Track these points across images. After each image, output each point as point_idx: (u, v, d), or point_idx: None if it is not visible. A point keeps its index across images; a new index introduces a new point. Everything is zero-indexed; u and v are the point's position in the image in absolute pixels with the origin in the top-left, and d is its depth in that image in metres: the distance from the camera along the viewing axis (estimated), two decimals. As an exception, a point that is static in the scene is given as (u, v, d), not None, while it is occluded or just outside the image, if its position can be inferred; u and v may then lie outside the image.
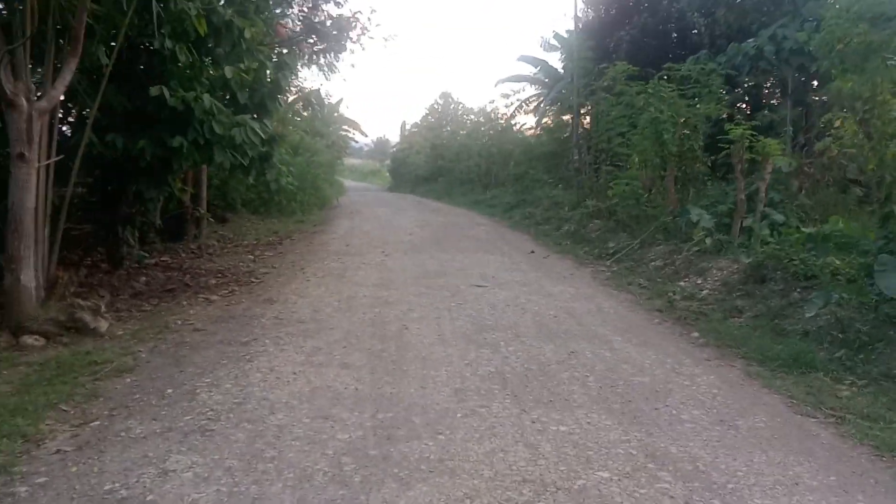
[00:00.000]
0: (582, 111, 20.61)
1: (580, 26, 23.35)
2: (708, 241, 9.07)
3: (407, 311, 7.12)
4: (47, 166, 6.74)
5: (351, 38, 11.17)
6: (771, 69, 11.86)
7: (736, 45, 12.95)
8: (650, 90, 11.21)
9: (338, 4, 10.26)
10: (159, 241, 11.36)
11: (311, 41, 11.24)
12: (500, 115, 31.84)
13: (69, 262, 8.80)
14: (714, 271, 8.47)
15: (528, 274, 9.44)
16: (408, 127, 61.72)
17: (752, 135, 9.12)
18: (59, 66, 6.49)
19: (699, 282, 8.38)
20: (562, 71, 28.56)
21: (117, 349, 5.87)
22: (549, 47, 29.41)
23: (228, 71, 8.01)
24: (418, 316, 6.90)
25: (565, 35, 27.59)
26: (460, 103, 44.08)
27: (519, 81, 30.16)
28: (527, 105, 30.99)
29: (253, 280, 9.12)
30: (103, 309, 6.85)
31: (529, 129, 30.46)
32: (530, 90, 31.53)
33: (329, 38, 11.09)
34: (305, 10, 10.72)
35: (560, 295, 8.04)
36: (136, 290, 8.30)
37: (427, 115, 56.50)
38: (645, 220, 11.83)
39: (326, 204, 22.92)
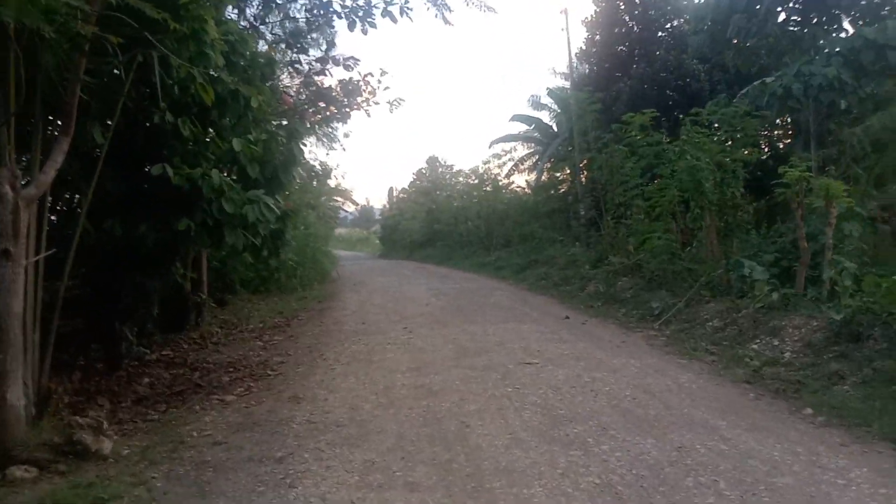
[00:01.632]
0: (580, 165, 20.10)
1: (575, 79, 23.09)
2: (774, 295, 8.19)
3: (459, 402, 6.13)
4: (37, 262, 5.82)
5: (358, 104, 10.48)
6: (800, 108, 11.25)
7: (759, 84, 12.40)
8: (684, 137, 10.53)
9: (347, 67, 9.62)
10: (158, 332, 10.35)
11: (318, 108, 10.55)
12: (494, 176, 31.44)
13: (61, 366, 7.80)
14: (790, 330, 7.57)
15: (574, 345, 8.49)
16: (396, 192, 61.59)
17: (811, 176, 8.37)
18: (48, 147, 5.64)
19: (776, 343, 7.46)
20: (555, 129, 28.29)
21: (126, 477, 4.83)
22: (538, 106, 29.24)
23: (236, 143, 7.21)
24: (476, 409, 5.90)
25: (559, 90, 27.41)
26: (451, 166, 43.85)
27: (513, 141, 29.84)
28: (521, 164, 30.62)
29: (269, 372, 8.10)
30: (105, 425, 5.82)
31: (524, 188, 30.04)
32: (522, 150, 31.25)
33: (337, 103, 10.40)
34: (313, 75, 10.05)
35: (625, 369, 7.08)
36: (140, 395, 7.26)
37: (415, 179, 56.38)
38: (684, 276, 10.99)
39: (326, 277, 22.01)
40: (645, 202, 14.90)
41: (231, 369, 8.36)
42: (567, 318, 10.74)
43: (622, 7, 22.97)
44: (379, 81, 9.94)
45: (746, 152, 10.31)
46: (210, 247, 8.11)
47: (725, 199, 10.04)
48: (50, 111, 5.66)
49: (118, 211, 6.84)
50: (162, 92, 6.40)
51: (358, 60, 9.46)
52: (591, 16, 23.80)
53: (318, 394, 6.81)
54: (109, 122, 6.25)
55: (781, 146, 17.36)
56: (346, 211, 55.19)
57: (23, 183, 5.39)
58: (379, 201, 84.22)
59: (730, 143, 10.77)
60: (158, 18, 4.94)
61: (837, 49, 11.36)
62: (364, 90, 10.03)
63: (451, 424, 5.50)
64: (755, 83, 13.02)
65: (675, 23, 22.83)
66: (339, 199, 42.18)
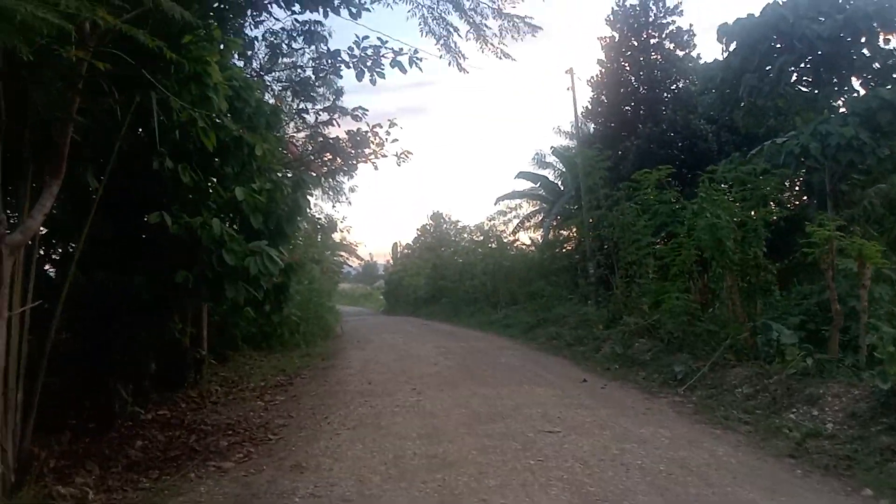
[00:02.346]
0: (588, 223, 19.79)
1: (581, 138, 23.01)
2: (808, 361, 7.68)
3: (478, 476, 5.57)
4: (22, 314, 5.37)
5: (365, 156, 10.17)
6: (818, 167, 10.96)
7: (773, 143, 12.15)
8: (702, 194, 10.17)
9: (356, 118, 9.34)
10: (155, 390, 9.78)
11: (325, 160, 10.25)
12: (499, 232, 31.22)
13: (48, 426, 7.25)
14: (829, 399, 7.02)
15: (596, 411, 7.93)
16: (400, 248, 61.43)
17: (840, 236, 7.96)
18: (37, 191, 5.26)
19: (815, 413, 6.91)
20: (561, 187, 28.13)
21: (106, 560, 4.28)
22: (543, 164, 29.18)
23: (239, 192, 6.84)
24: (497, 484, 5.34)
25: (563, 149, 27.36)
26: (456, 222, 43.70)
27: (519, 198, 29.68)
28: (527, 221, 30.40)
29: (270, 437, 7.53)
30: (91, 496, 5.29)
31: (529, 245, 29.75)
32: (527, 207, 31.08)
33: (343, 155, 10.10)
34: (320, 125, 9.77)
35: (655, 440, 6.52)
36: (132, 460, 6.67)
37: (419, 235, 56.27)
38: (705, 338, 10.47)
39: (330, 333, 21.46)
40: (657, 261, 14.51)
41: (230, 432, 7.79)
42: (585, 381, 10.17)
43: (627, 68, 23.07)
44: (388, 133, 9.67)
45: (766, 211, 9.93)
46: (209, 300, 7.67)
47: (748, 259, 9.60)
48: (40, 153, 5.27)
49: (112, 261, 6.43)
50: (161, 136, 6.08)
51: (366, 111, 9.25)
52: (597, 76, 23.89)
53: (322, 462, 6.25)
54: (104, 167, 5.88)
55: (791, 207, 17.05)
56: (350, 266, 54.90)
57: (9, 229, 5.00)
58: (382, 257, 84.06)
59: (745, 201, 10.39)
60: (154, 48, 4.58)
61: (854, 109, 11.13)
62: (372, 141, 9.75)
63: (470, 503, 4.94)
64: (768, 143, 12.78)
65: (681, 84, 22.87)
66: (343, 253, 41.84)
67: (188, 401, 9.83)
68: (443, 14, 9.07)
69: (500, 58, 9.60)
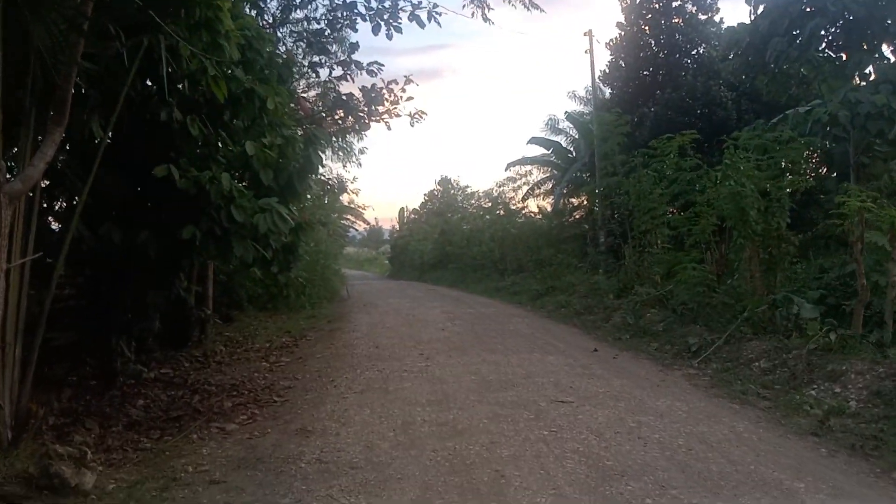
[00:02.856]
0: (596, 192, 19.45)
1: (598, 103, 22.54)
2: (832, 336, 7.45)
3: (490, 445, 5.40)
4: (22, 267, 5.18)
5: (379, 115, 9.85)
6: (846, 136, 10.59)
7: (799, 111, 11.76)
8: (727, 161, 9.84)
9: (371, 73, 8.99)
10: (159, 349, 9.66)
11: (337, 117, 9.93)
12: (508, 199, 30.87)
13: (49, 382, 7.13)
14: (852, 376, 6.82)
15: (610, 382, 7.75)
16: (407, 213, 61.11)
17: (871, 208, 7.67)
18: (40, 138, 5.02)
19: (837, 390, 6.71)
20: (573, 153, 27.69)
21: (106, 522, 4.14)
22: (556, 130, 28.68)
23: (249, 147, 6.57)
24: (509, 454, 5.17)
25: (577, 114, 26.84)
26: (465, 187, 43.31)
27: (530, 164, 29.22)
28: (538, 188, 30.00)
29: (275, 399, 7.40)
30: (89, 455, 5.12)
31: (538, 214, 29.40)
32: (538, 174, 30.65)
33: (355, 113, 9.78)
34: (334, 79, 9.44)
35: (672, 413, 6.33)
36: (133, 419, 6.55)
37: (426, 201, 55.88)
38: (720, 310, 10.25)
39: (335, 296, 21.35)
40: (671, 230, 14.23)
41: (234, 393, 7.67)
42: (596, 350, 9.99)
43: (647, 31, 22.48)
44: (403, 90, 9.32)
45: (792, 180, 9.61)
46: (216, 258, 7.46)
47: (770, 230, 9.31)
48: (43, 99, 5.02)
49: (117, 215, 6.20)
50: (170, 86, 5.81)
51: (382, 66, 8.88)
52: (615, 39, 23.30)
53: (329, 427, 6.10)
54: (110, 116, 5.62)
55: (810, 178, 16.68)
56: (356, 229, 54.66)
57: (9, 176, 4.78)
58: (387, 221, 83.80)
59: (769, 170, 10.06)
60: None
61: (886, 76, 10.71)
62: (387, 99, 9.41)
63: (483, 473, 4.77)
64: (791, 111, 12.38)
65: (702, 49, 22.29)
66: (349, 216, 41.59)
67: (192, 360, 9.71)
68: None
69: (529, 8, 9.21)
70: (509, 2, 8.88)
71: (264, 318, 15.01)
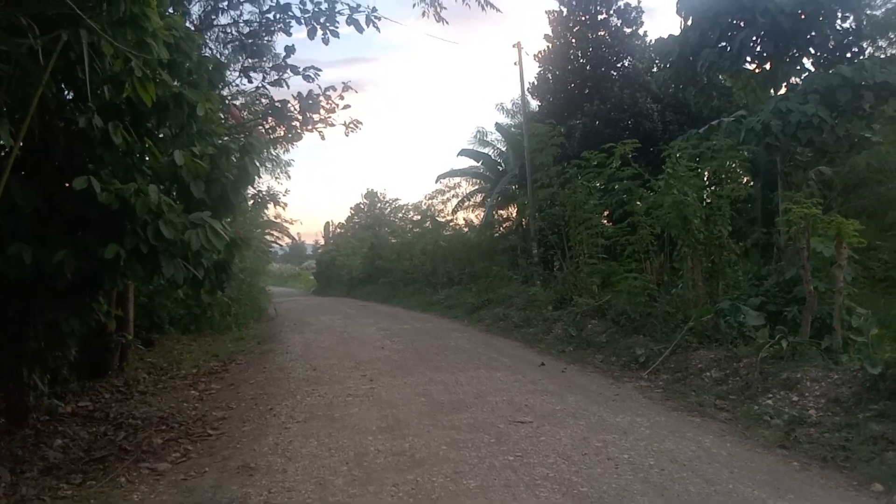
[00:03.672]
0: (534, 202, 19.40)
1: (527, 114, 22.61)
2: (784, 343, 7.43)
3: (454, 475, 5.01)
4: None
5: (313, 124, 9.34)
6: (778, 144, 10.80)
7: (724, 121, 11.95)
8: (669, 170, 9.82)
9: (307, 78, 8.48)
10: (75, 379, 8.83)
11: (269, 125, 9.36)
12: (437, 212, 30.61)
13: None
14: (808, 384, 6.78)
15: (564, 398, 7.49)
16: (333, 227, 60.18)
17: (813, 216, 7.72)
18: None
19: (794, 399, 6.65)
20: (501, 166, 27.72)
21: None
22: (484, 143, 28.71)
23: (178, 156, 5.96)
24: (477, 485, 4.79)
25: (507, 126, 26.93)
26: (395, 200, 42.89)
27: (461, 176, 29.10)
28: (467, 200, 29.90)
29: (209, 432, 6.79)
30: (-4, 510, 4.47)
31: (465, 226, 29.28)
32: (467, 186, 30.56)
33: (287, 121, 9.25)
34: (267, 84, 8.86)
35: (635, 430, 6.11)
36: (50, 463, 5.83)
37: (353, 214, 55.17)
38: (663, 320, 10.22)
39: (262, 315, 20.51)
40: (606, 240, 14.26)
41: (163, 427, 7.00)
42: (543, 364, 9.76)
43: (574, 43, 22.73)
44: (341, 97, 8.86)
45: (732, 188, 9.68)
46: (143, 279, 6.79)
47: (712, 238, 9.34)
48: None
49: (29, 233, 5.50)
50: (91, 88, 5.19)
51: (319, 71, 8.38)
52: (543, 51, 23.48)
53: (273, 462, 5.57)
54: (21, 122, 4.96)
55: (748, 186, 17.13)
56: (280, 245, 53.31)
57: None
58: (310, 237, 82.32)
59: (707, 178, 10.16)
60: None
61: (813, 86, 10.99)
62: (323, 107, 8.93)
63: (452, 509, 4.38)
64: (728, 119, 12.61)
65: (627, 62, 22.71)
66: (274, 231, 40.41)
67: (113, 390, 8.94)
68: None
69: (484, 7, 8.95)
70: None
71: (188, 341, 14.16)
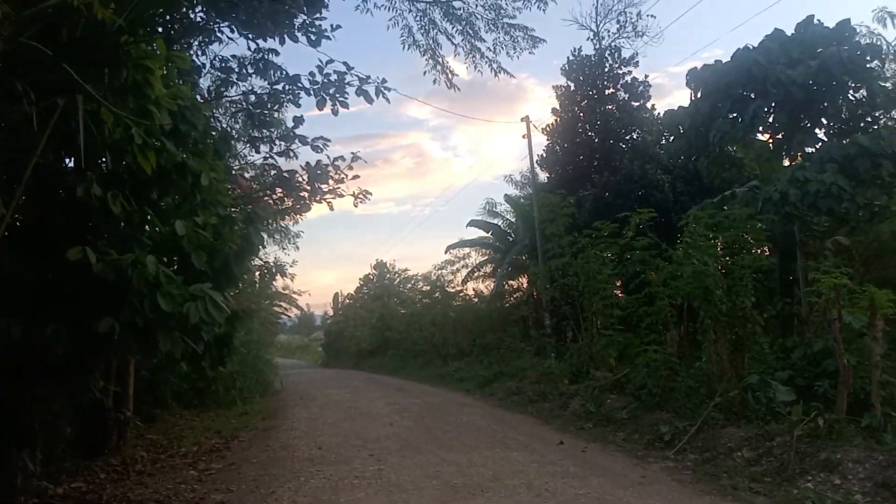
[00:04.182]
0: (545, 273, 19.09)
1: (537, 186, 22.60)
2: (820, 421, 6.96)
3: (471, 572, 4.54)
4: None
5: (322, 195, 9.19)
6: (797, 214, 10.55)
7: (747, 191, 11.76)
8: (687, 239, 9.55)
9: (316, 149, 8.37)
10: (69, 457, 8.40)
11: (277, 195, 9.21)
12: (447, 282, 30.33)
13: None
14: (849, 465, 6.30)
15: (587, 481, 6.99)
16: (342, 298, 59.87)
17: (844, 285, 7.38)
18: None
19: (836, 482, 6.16)
20: (511, 237, 27.59)
21: None
22: (493, 214, 28.69)
23: (180, 226, 5.72)
24: (498, 584, 4.32)
25: (516, 198, 26.96)
26: (405, 270, 42.65)
27: (470, 246, 28.96)
28: (477, 271, 29.66)
29: (207, 518, 6.33)
30: None
31: (474, 297, 28.95)
32: (476, 256, 30.39)
33: (295, 191, 9.10)
34: (275, 155, 8.74)
35: (667, 519, 5.62)
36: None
37: (362, 285, 54.90)
38: (685, 396, 9.75)
39: (268, 389, 19.98)
40: (622, 311, 13.88)
41: (158, 513, 6.55)
42: (562, 443, 9.24)
43: (582, 117, 22.90)
44: (350, 167, 8.73)
45: (754, 258, 9.39)
46: (138, 354, 6.48)
47: (735, 309, 8.97)
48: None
49: (20, 306, 5.22)
50: (88, 155, 5.01)
51: (328, 141, 8.28)
52: (551, 125, 23.66)
53: (273, 556, 5.11)
54: (14, 190, 4.76)
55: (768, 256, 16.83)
56: (288, 316, 52.93)
57: None
58: (318, 308, 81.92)
59: (726, 248, 9.86)
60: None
61: (830, 156, 10.83)
62: (332, 177, 8.79)
63: None
64: (742, 189, 12.43)
65: (636, 134, 22.81)
66: (282, 303, 40.15)
67: (109, 470, 8.48)
68: (433, 19, 8.34)
69: (497, 74, 8.92)
70: (474, 67, 8.53)
71: (190, 416, 13.69)
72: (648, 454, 8.37)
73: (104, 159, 5.45)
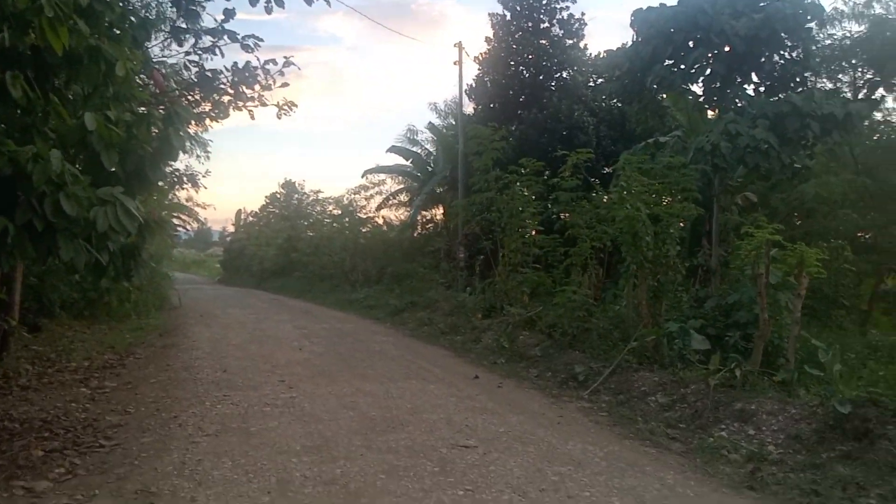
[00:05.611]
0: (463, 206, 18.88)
1: (464, 116, 22.13)
2: (737, 372, 7.11)
3: (398, 512, 4.32)
4: None
5: (244, 101, 8.39)
6: (726, 166, 10.64)
7: (677, 140, 11.77)
8: (623, 182, 9.45)
9: (246, 48, 7.53)
10: (-58, 369, 7.62)
11: (193, 97, 8.34)
12: (359, 208, 29.63)
13: None
14: (763, 417, 6.46)
15: (506, 418, 6.91)
16: (245, 215, 57.98)
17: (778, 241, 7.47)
18: None
19: (751, 432, 6.31)
20: (431, 167, 27.09)
21: None
22: (415, 142, 28.02)
23: (89, 119, 4.98)
24: (427, 527, 4.12)
25: (440, 127, 26.40)
26: (317, 191, 41.46)
27: (388, 173, 28.28)
28: (393, 198, 29.13)
29: (102, 442, 5.82)
30: None
31: (382, 225, 28.53)
32: (392, 183, 29.78)
33: (215, 94, 8.27)
34: (199, 50, 7.80)
35: (590, 462, 5.58)
36: None
37: (267, 203, 53.17)
38: (599, 337, 9.86)
39: (165, 304, 19.06)
40: (539, 250, 13.88)
41: (46, 433, 5.98)
42: (477, 377, 9.16)
43: (515, 49, 22.34)
44: (281, 72, 7.97)
45: (683, 207, 9.42)
46: (35, 260, 5.76)
47: (660, 257, 9.01)
48: None
49: None
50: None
51: (261, 40, 7.48)
52: (483, 54, 23.01)
53: (179, 487, 4.71)
54: None
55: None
56: (187, 230, 50.73)
57: None
58: (217, 223, 79.12)
59: (659, 195, 9.86)
60: None
61: (763, 112, 10.89)
62: (259, 82, 8.03)
63: (400, 559, 3.69)
64: (669, 137, 12.46)
65: (566, 73, 22.54)
66: (181, 215, 38.25)
67: (-10, 384, 7.75)
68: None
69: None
70: None
71: (81, 328, 12.83)
72: (563, 393, 8.40)
73: (4, 33, 4.64)
